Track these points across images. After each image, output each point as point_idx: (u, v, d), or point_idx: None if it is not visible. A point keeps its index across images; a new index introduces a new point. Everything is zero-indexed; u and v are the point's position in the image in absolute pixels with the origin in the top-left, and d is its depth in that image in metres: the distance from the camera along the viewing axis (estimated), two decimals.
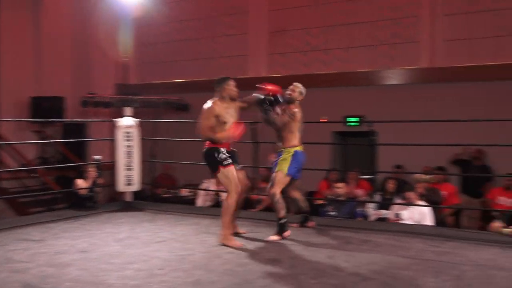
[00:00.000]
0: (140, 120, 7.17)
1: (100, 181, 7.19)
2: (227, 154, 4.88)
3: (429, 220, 6.25)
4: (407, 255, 4.48)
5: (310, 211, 5.80)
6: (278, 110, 5.22)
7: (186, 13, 12.02)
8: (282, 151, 5.28)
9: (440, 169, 8.47)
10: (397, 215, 6.38)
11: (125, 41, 8.08)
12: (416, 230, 5.58)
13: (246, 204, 6.29)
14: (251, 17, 11.36)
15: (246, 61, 11.41)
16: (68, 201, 8.28)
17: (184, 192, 9.60)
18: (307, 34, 10.77)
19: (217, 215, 5.51)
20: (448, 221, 7.27)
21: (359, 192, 8.04)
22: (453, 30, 9.43)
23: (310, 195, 8.62)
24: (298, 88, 5.35)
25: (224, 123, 4.91)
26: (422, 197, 6.68)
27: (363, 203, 7.36)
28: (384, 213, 6.97)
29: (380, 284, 3.67)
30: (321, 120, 5.54)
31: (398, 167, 8.84)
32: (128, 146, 6.94)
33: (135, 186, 7.04)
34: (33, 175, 10.27)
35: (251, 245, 4.82)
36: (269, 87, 5.16)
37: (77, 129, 11.07)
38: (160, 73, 12.34)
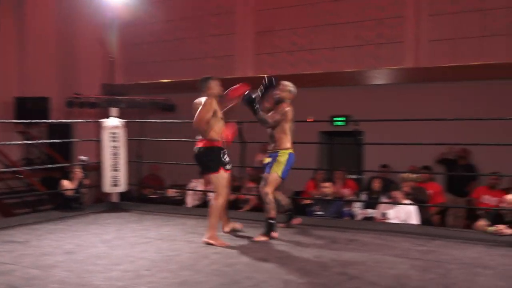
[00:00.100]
0: (126, 120, 7.13)
1: (86, 182, 7.15)
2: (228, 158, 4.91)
3: (415, 219, 6.29)
4: (393, 254, 4.50)
5: (297, 210, 5.82)
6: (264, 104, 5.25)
7: (173, 13, 11.98)
8: (277, 152, 5.23)
9: (426, 168, 8.53)
10: (384, 215, 6.41)
11: (111, 41, 8.04)
12: (402, 229, 5.61)
13: (232, 204, 6.29)
14: (238, 17, 11.36)
15: (233, 61, 11.41)
16: (53, 202, 8.22)
17: (171, 192, 9.57)
18: (293, 34, 10.79)
19: (203, 215, 5.51)
20: (433, 220, 7.32)
21: (346, 192, 8.07)
22: (438, 30, 9.50)
23: (297, 195, 8.66)
24: (287, 87, 5.34)
25: (221, 119, 4.92)
26: (408, 196, 6.72)
27: (350, 202, 7.39)
28: (370, 212, 7.01)
29: (366, 283, 3.69)
30: (308, 120, 5.54)
31: (384, 166, 8.89)
32: (114, 147, 6.90)
33: (121, 187, 7.00)
34: (18, 176, 10.17)
35: (238, 245, 4.82)
36: (239, 90, 5.09)
37: (63, 130, 11.00)
38: (147, 73, 12.28)
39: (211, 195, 6.95)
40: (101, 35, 11.27)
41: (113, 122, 6.96)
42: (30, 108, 10.62)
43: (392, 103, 9.47)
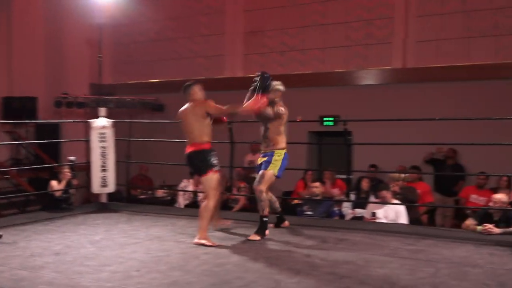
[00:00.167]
0: (115, 120, 7.10)
1: (75, 182, 7.10)
2: (217, 159, 4.95)
3: (404, 218, 6.32)
4: (383, 253, 4.52)
5: (287, 211, 5.82)
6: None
7: (162, 13, 11.94)
8: (273, 152, 5.20)
9: (415, 168, 8.57)
10: (373, 214, 6.43)
11: (100, 40, 7.99)
12: (392, 229, 5.63)
13: (223, 204, 6.29)
14: (228, 17, 11.35)
15: (222, 61, 11.39)
16: (42, 203, 8.15)
17: (160, 193, 9.55)
18: (283, 34, 10.81)
19: (193, 216, 5.50)
20: (422, 219, 7.36)
21: (335, 192, 8.09)
22: (426, 31, 9.56)
23: (286, 195, 8.66)
24: (274, 87, 5.29)
25: (211, 123, 5.01)
26: (397, 195, 6.76)
27: (339, 202, 7.42)
28: (359, 212, 7.03)
29: (356, 282, 3.70)
30: (297, 119, 5.55)
31: (373, 166, 8.93)
32: (103, 147, 6.85)
33: (110, 187, 6.96)
34: (5, 177, 10.08)
35: (228, 245, 4.81)
36: (258, 104, 5.06)
37: (51, 130, 10.91)
38: (136, 73, 12.23)
39: (201, 195, 6.94)
40: (90, 35, 11.20)
41: (101, 122, 6.92)
42: (17, 107, 10.53)
43: (380, 103, 9.51)
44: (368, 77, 10.07)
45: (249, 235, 5.13)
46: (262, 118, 5.28)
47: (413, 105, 9.22)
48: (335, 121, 9.79)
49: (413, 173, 8.16)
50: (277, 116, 5.20)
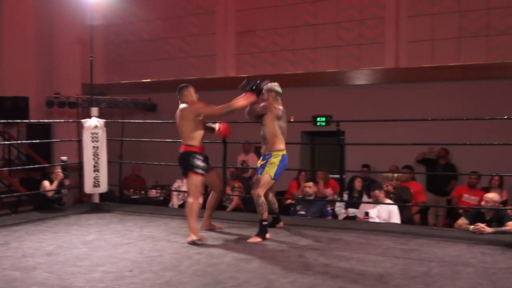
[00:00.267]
0: (107, 120, 7.07)
1: (67, 182, 7.07)
2: (202, 162, 5.01)
3: (397, 218, 6.34)
4: (376, 253, 4.53)
5: (280, 211, 5.81)
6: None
7: (153, 13, 11.92)
8: (270, 153, 5.16)
9: (407, 167, 8.60)
10: (366, 214, 6.45)
11: (91, 40, 7.96)
12: (384, 228, 5.65)
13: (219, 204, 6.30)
14: (219, 17, 11.34)
15: (214, 61, 11.39)
16: (33, 203, 8.11)
17: (153, 193, 9.52)
18: (274, 34, 10.82)
19: (185, 216, 5.47)
20: (415, 219, 7.39)
21: (328, 191, 8.10)
22: (417, 32, 9.60)
23: (280, 195, 8.66)
24: (271, 87, 5.29)
25: (202, 127, 5.11)
26: (391, 195, 6.78)
27: (332, 202, 7.43)
28: (352, 211, 7.05)
29: (349, 281, 3.71)
30: (291, 120, 5.55)
31: (365, 166, 8.95)
32: (95, 147, 6.82)
33: (103, 188, 6.93)
34: None
35: (221, 246, 4.81)
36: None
37: (42, 130, 10.86)
38: (128, 72, 12.21)
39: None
40: (81, 34, 11.14)
41: (94, 122, 6.88)
42: (9, 107, 10.46)
43: (373, 103, 9.54)
44: (361, 77, 10.09)
45: (242, 235, 5.13)
46: (253, 116, 5.27)
47: (405, 105, 9.25)
48: (327, 121, 9.81)
49: (406, 173, 8.19)
50: (265, 109, 5.16)
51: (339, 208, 7.36)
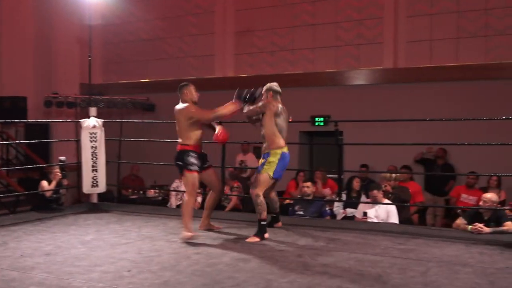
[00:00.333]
0: (105, 120, 7.07)
1: (65, 182, 7.06)
2: (195, 159, 5.03)
3: (395, 218, 6.34)
4: (374, 253, 4.53)
5: (280, 211, 5.81)
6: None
7: (152, 12, 11.91)
8: (268, 152, 5.13)
9: (406, 168, 8.61)
10: (364, 214, 6.45)
11: (90, 40, 7.96)
12: (383, 228, 5.65)
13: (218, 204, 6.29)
14: (218, 17, 11.34)
15: (213, 61, 11.39)
16: (32, 203, 8.10)
17: (151, 193, 9.52)
18: (273, 34, 10.82)
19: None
20: (413, 219, 7.39)
21: (327, 191, 8.11)
22: (416, 32, 9.61)
23: (278, 195, 8.65)
24: (270, 87, 5.29)
25: (200, 124, 5.13)
26: (390, 195, 6.78)
27: (330, 202, 7.43)
28: (350, 211, 7.05)
29: (348, 281, 3.71)
30: (289, 120, 5.56)
31: (364, 166, 8.96)
32: (94, 147, 6.82)
33: (101, 188, 6.93)
34: None
35: (219, 245, 4.81)
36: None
37: (41, 130, 10.84)
38: (126, 72, 12.20)
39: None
40: (80, 34, 11.14)
41: (92, 122, 6.88)
42: (7, 107, 10.45)
43: (371, 103, 9.55)
44: (359, 77, 10.10)
45: (241, 235, 5.13)
46: (253, 118, 5.28)
47: (404, 105, 9.26)
48: (325, 121, 9.80)
49: (404, 173, 8.19)
50: (264, 107, 5.12)
51: (338, 208, 7.36)
